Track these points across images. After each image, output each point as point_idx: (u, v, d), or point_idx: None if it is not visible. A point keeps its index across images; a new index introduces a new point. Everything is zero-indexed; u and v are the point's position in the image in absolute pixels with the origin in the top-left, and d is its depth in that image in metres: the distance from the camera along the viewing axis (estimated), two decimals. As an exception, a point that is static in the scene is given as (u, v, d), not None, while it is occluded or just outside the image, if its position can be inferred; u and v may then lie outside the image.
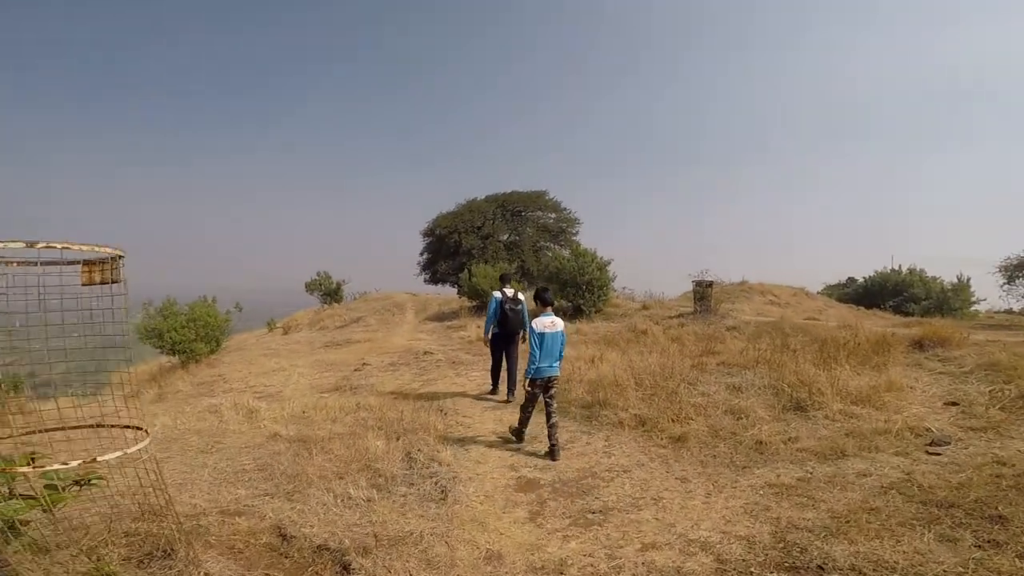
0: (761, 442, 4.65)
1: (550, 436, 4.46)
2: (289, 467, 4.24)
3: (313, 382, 8.85)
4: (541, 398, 4.67)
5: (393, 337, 15.44)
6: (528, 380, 4.47)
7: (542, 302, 4.70)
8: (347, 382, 8.30)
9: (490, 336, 6.70)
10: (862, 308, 20.32)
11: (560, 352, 4.60)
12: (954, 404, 5.60)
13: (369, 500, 3.51)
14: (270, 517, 3.34)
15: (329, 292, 27.26)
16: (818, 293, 23.18)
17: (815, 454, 4.36)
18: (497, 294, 6.61)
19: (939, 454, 4.30)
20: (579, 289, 15.60)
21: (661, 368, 6.94)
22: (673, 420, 5.15)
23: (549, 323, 4.50)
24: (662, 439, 4.84)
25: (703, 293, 15.11)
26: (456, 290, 23.08)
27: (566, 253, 17.26)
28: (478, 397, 6.87)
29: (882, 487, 3.64)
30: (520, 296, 6.62)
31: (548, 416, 4.52)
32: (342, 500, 3.52)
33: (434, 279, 30.30)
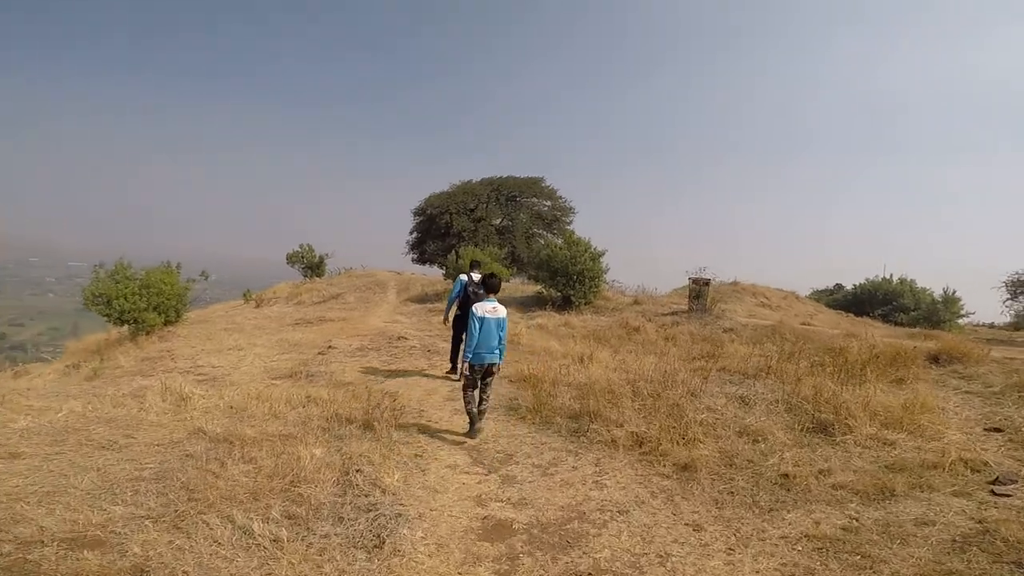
0: (786, 475, 3.82)
1: (476, 416, 4.57)
2: (194, 478, 3.32)
3: (269, 365, 7.87)
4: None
5: (369, 318, 14.46)
6: (467, 364, 4.52)
7: (487, 288, 4.74)
8: (305, 368, 7.33)
9: (451, 317, 6.85)
10: (851, 315, 19.93)
11: (501, 339, 4.63)
12: (997, 430, 4.85)
13: (276, 540, 2.61)
14: (134, 554, 2.43)
15: (311, 265, 26.04)
16: (806, 297, 22.87)
17: (856, 493, 3.54)
18: (463, 277, 6.67)
19: (1008, 495, 3.52)
20: (570, 279, 14.73)
21: (660, 374, 6.09)
22: (677, 441, 4.30)
23: (491, 308, 4.51)
24: (665, 466, 3.98)
25: (699, 291, 14.33)
26: (443, 272, 22.13)
27: (559, 241, 16.34)
28: (451, 396, 5.97)
29: (954, 540, 2.84)
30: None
31: (480, 401, 4.63)
32: (240, 537, 2.62)
33: (422, 259, 29.31)
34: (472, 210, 28.71)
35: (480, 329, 4.42)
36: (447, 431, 4.70)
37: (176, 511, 2.87)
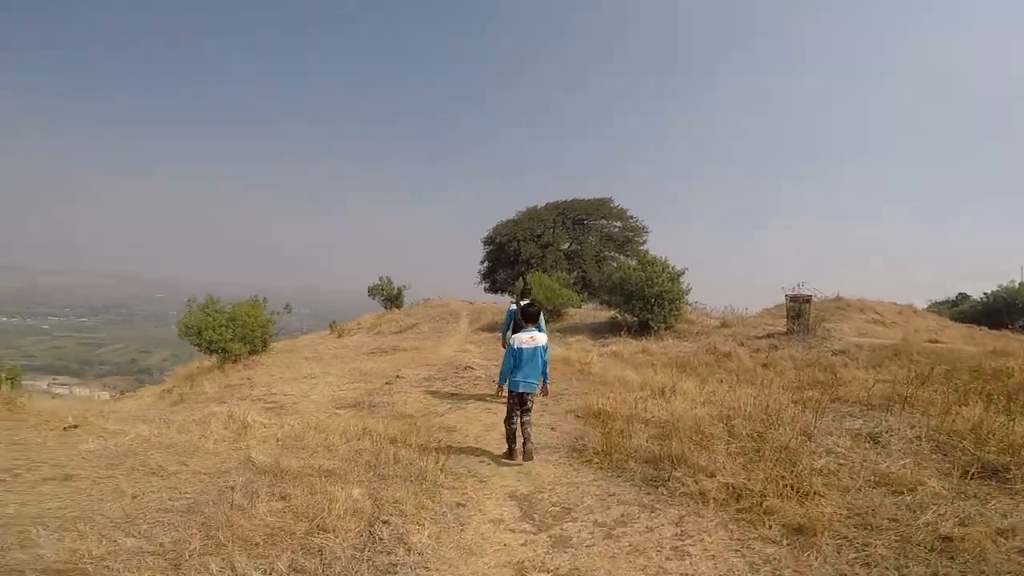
0: (948, 537, 2.84)
1: (523, 436, 4.47)
2: (216, 515, 3.04)
3: (337, 394, 7.81)
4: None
5: (441, 347, 14.39)
6: (505, 388, 4.62)
7: (526, 317, 4.72)
8: (370, 398, 7.16)
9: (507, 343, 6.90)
10: (984, 328, 16.94)
11: (542, 368, 4.58)
12: None
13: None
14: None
15: (390, 297, 27.03)
16: (925, 311, 19.95)
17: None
18: (513, 306, 7.15)
19: None
20: (647, 302, 13.76)
21: (760, 409, 5.14)
22: (788, 495, 3.42)
23: (528, 339, 4.50)
24: (772, 528, 3.13)
25: (799, 310, 12.76)
26: (512, 300, 21.90)
27: (632, 262, 15.45)
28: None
29: None
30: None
31: (525, 427, 4.52)
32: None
33: (494, 288, 29.42)
34: (539, 236, 28.53)
35: (517, 360, 4.43)
36: (499, 475, 4.12)
37: (176, 553, 2.58)
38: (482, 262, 30.88)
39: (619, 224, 30.35)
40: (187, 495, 3.48)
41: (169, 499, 3.38)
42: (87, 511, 3.09)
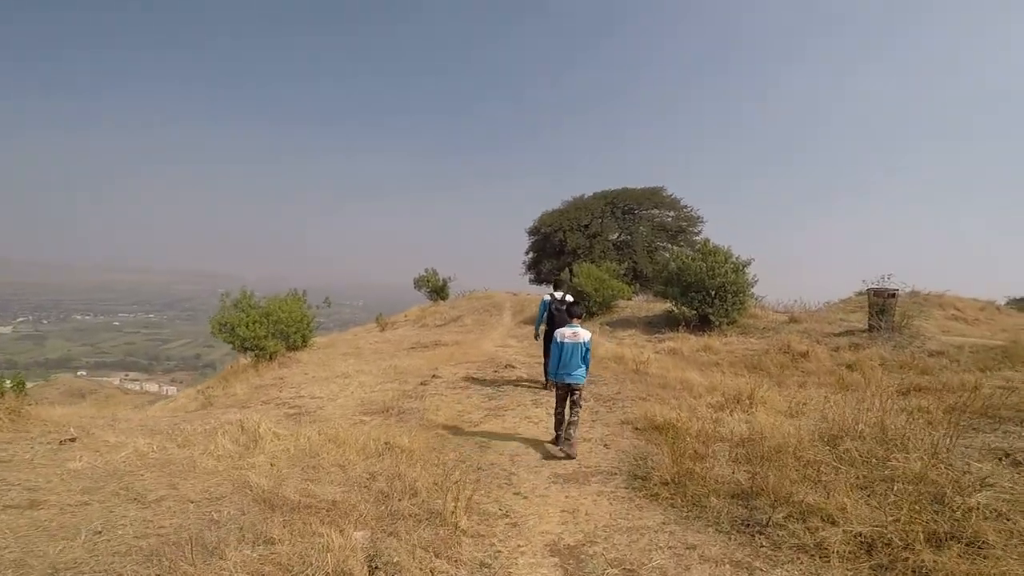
0: None
1: (566, 435, 4.43)
2: (182, 562, 2.37)
3: (367, 396, 7.21)
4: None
5: (483, 341, 13.71)
6: (551, 381, 4.86)
7: (569, 314, 4.90)
8: (400, 402, 6.50)
9: (541, 334, 7.24)
10: None
11: (583, 360, 4.63)
12: None
13: None
14: None
15: (435, 289, 26.78)
16: (1007, 307, 17.96)
17: None
18: (546, 296, 7.01)
19: None
20: (707, 294, 12.48)
21: (872, 423, 4.03)
22: (945, 544, 2.39)
23: (571, 333, 4.59)
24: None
25: (883, 305, 11.16)
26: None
27: (690, 252, 14.14)
28: (550, 453, 4.53)
29: None
30: (568, 298, 6.79)
31: (570, 416, 4.55)
32: None
33: (538, 279, 28.58)
34: (586, 226, 27.46)
35: (560, 353, 4.57)
36: (538, 514, 3.25)
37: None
38: (527, 253, 30.12)
39: (672, 214, 28.77)
40: (160, 530, 2.86)
41: (136, 536, 2.76)
42: (30, 552, 2.52)
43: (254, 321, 10.01)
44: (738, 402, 5.10)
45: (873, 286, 11.52)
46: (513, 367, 8.39)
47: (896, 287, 11.48)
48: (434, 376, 8.21)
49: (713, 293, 12.56)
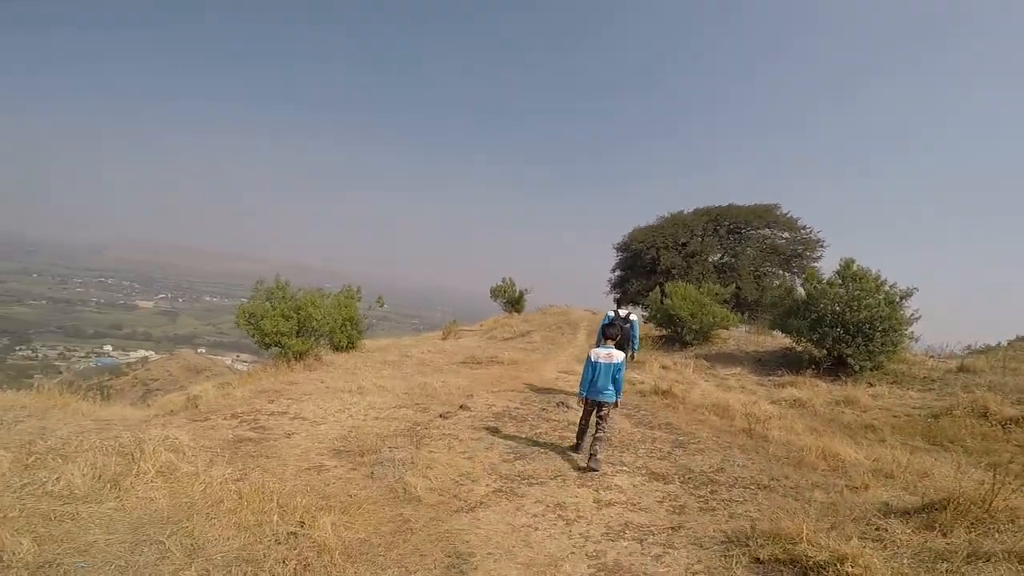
0: None
1: (591, 450, 4.37)
2: None
3: (359, 425, 5.38)
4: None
5: (545, 363, 11.57)
6: (581, 397, 4.76)
7: (606, 337, 4.94)
8: (391, 443, 4.59)
9: None
10: None
11: (616, 380, 4.66)
12: None
13: None
14: None
15: (511, 300, 25.19)
16: None
17: None
18: (610, 313, 6.82)
19: None
20: (847, 330, 9.30)
21: None
22: None
23: (605, 355, 4.68)
24: None
25: None
26: (645, 313, 18.20)
27: (826, 275, 10.89)
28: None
29: None
30: (632, 317, 6.72)
31: (596, 431, 4.52)
32: None
33: (625, 299, 25.73)
34: (684, 244, 24.28)
35: (593, 373, 4.61)
36: None
37: None
38: (613, 270, 27.47)
39: (787, 235, 24.62)
40: None
41: None
42: None
43: (281, 315, 8.74)
44: (958, 512, 2.49)
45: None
46: (568, 407, 6.17)
47: None
48: (462, 407, 6.24)
49: (853, 329, 9.35)
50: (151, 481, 3.08)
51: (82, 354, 61.52)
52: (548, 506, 3.31)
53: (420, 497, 3.32)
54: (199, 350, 66.40)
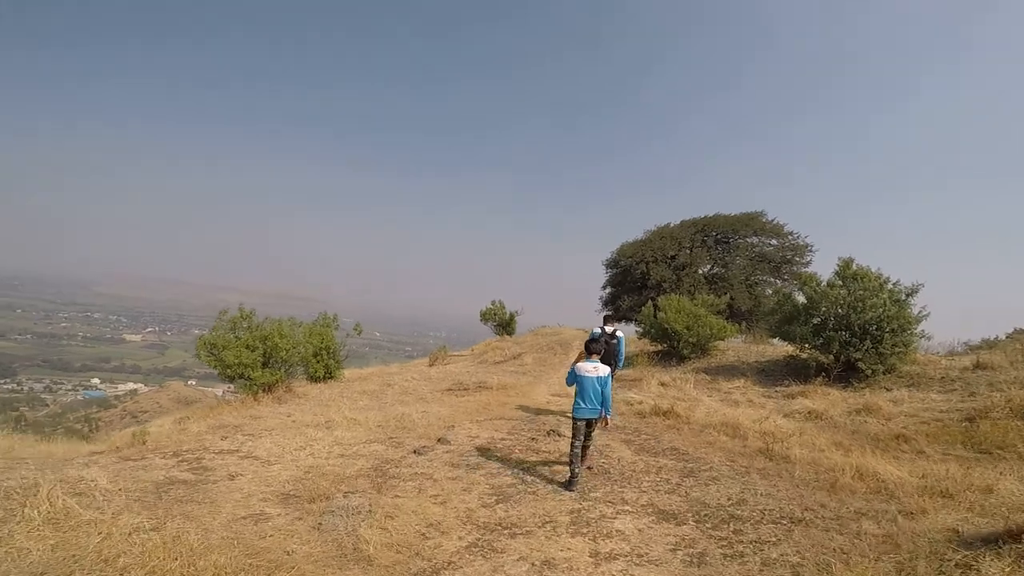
0: None
1: (574, 464, 4.33)
2: None
3: (318, 464, 4.66)
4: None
5: (536, 386, 10.86)
6: (573, 417, 4.67)
7: (587, 351, 4.79)
8: (350, 486, 3.88)
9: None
10: None
11: (604, 394, 4.57)
12: None
13: None
14: None
15: (502, 323, 24.49)
16: None
17: None
18: (597, 329, 6.64)
19: None
20: (854, 334, 8.75)
21: None
22: None
23: (591, 368, 4.61)
24: None
25: None
26: (638, 330, 17.60)
27: (824, 278, 10.40)
28: None
29: None
30: (619, 333, 6.53)
31: (583, 448, 4.55)
32: None
33: (617, 317, 25.22)
34: (673, 257, 23.91)
35: (578, 387, 4.55)
36: None
37: None
38: (603, 287, 26.99)
39: (775, 242, 24.41)
40: None
41: None
42: None
43: (245, 345, 8.00)
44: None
45: None
46: (559, 435, 5.49)
47: None
48: (440, 440, 5.53)
49: (860, 331, 8.81)
50: (36, 529, 2.46)
51: (69, 387, 59.99)
52: (533, 564, 2.61)
53: (372, 556, 2.62)
54: (189, 382, 64.73)
